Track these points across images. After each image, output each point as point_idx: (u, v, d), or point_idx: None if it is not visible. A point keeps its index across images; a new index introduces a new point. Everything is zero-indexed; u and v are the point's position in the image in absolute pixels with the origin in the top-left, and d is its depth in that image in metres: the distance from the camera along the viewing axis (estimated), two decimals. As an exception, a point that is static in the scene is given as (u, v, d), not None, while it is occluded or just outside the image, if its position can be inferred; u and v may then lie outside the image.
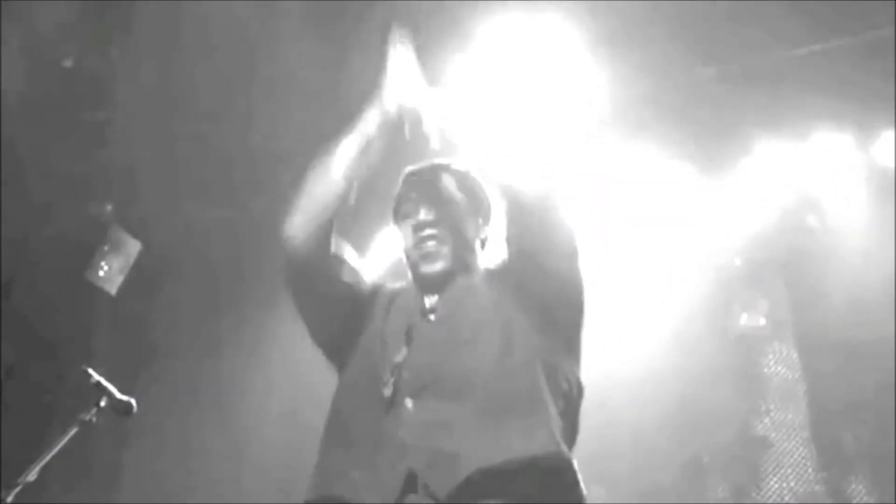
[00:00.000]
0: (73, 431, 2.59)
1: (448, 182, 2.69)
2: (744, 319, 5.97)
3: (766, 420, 5.85)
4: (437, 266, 2.59)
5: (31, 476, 2.47)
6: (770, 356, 5.95)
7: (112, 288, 5.60)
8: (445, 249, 2.60)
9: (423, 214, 2.63)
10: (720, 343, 5.97)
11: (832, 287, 5.67)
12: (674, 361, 5.83)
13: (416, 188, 2.69)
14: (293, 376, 6.13)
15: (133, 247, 5.61)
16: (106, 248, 5.55)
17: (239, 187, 6.00)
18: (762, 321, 5.96)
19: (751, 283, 6.04)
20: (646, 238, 5.96)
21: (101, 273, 5.58)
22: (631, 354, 5.79)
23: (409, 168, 2.75)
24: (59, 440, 2.54)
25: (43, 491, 2.53)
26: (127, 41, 5.21)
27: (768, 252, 5.97)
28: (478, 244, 2.70)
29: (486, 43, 5.38)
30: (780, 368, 5.92)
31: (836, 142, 5.69)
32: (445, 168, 2.71)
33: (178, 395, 5.73)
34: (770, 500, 5.70)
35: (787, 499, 5.68)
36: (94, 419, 2.64)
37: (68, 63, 5.18)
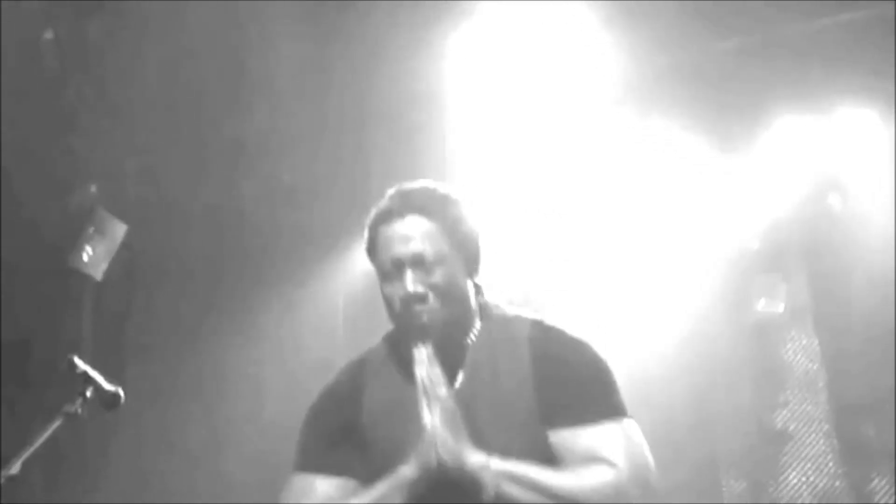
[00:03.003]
0: (57, 423, 2.57)
1: (432, 231, 2.52)
2: (761, 306, 5.95)
3: (785, 412, 5.84)
4: (432, 337, 2.50)
5: (14, 469, 2.46)
6: (789, 345, 5.94)
7: (97, 273, 5.58)
8: (438, 318, 2.50)
9: (411, 283, 2.49)
10: (736, 331, 5.96)
11: (855, 272, 5.65)
12: (688, 351, 5.82)
13: (397, 244, 2.52)
14: (281, 366, 6.15)
15: (118, 229, 5.58)
16: (90, 231, 5.52)
17: (227, 174, 5.99)
18: (781, 308, 5.94)
19: (769, 267, 6.01)
20: (660, 221, 5.94)
21: (85, 258, 5.55)
22: (644, 343, 5.77)
23: (383, 207, 2.58)
24: (42, 432, 2.53)
25: (25, 484, 2.52)
26: (112, 17, 5.21)
27: (788, 235, 5.95)
28: (472, 293, 2.60)
29: (496, 19, 5.37)
30: (799, 358, 5.90)
31: (861, 118, 5.66)
32: (427, 211, 2.54)
33: (163, 385, 5.74)
34: (788, 496, 5.70)
35: (805, 495, 5.68)
36: (80, 410, 2.62)
37: (49, 35, 5.16)
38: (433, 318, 2.50)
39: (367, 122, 5.79)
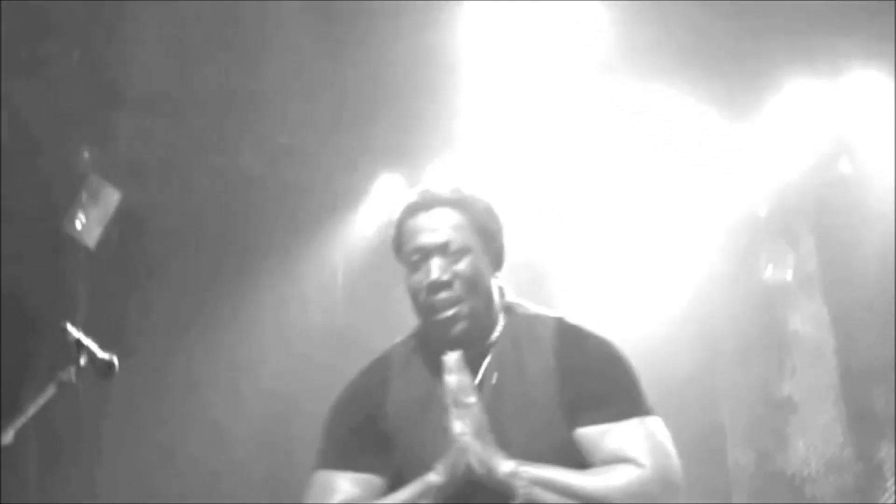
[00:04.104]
0: (51, 392, 2.57)
1: (460, 224, 2.58)
2: (769, 273, 5.94)
3: (792, 381, 5.85)
4: (455, 330, 2.55)
5: (7, 439, 2.46)
6: (796, 313, 5.93)
7: (91, 241, 5.56)
8: (464, 309, 2.55)
9: (437, 270, 2.55)
10: (743, 299, 5.96)
11: (865, 239, 5.64)
12: (693, 319, 5.82)
13: (425, 233, 2.58)
14: (279, 331, 6.17)
15: (112, 196, 5.56)
16: (83, 198, 5.51)
17: (230, 136, 5.98)
18: (789, 275, 5.93)
19: (777, 234, 6.00)
20: (666, 188, 5.93)
21: (78, 225, 5.54)
22: (648, 313, 5.78)
23: (411, 200, 2.64)
24: (36, 401, 2.52)
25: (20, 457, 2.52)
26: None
27: (796, 201, 5.93)
28: (495, 288, 2.65)
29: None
30: (807, 326, 5.90)
31: (871, 81, 5.62)
32: (454, 203, 2.60)
33: (160, 353, 5.76)
34: (796, 465, 5.71)
35: (813, 463, 5.69)
36: (73, 379, 2.62)
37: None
38: (458, 307, 2.55)
39: (368, 86, 5.77)
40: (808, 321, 5.89)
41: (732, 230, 5.93)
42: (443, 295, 2.54)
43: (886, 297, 5.49)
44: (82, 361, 2.65)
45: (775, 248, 5.95)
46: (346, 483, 2.59)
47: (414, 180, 6.40)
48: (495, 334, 2.61)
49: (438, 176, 2.68)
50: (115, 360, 2.69)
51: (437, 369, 2.55)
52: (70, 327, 2.68)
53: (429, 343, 2.63)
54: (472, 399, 2.48)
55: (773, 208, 5.95)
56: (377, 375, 2.69)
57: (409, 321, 2.75)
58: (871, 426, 5.64)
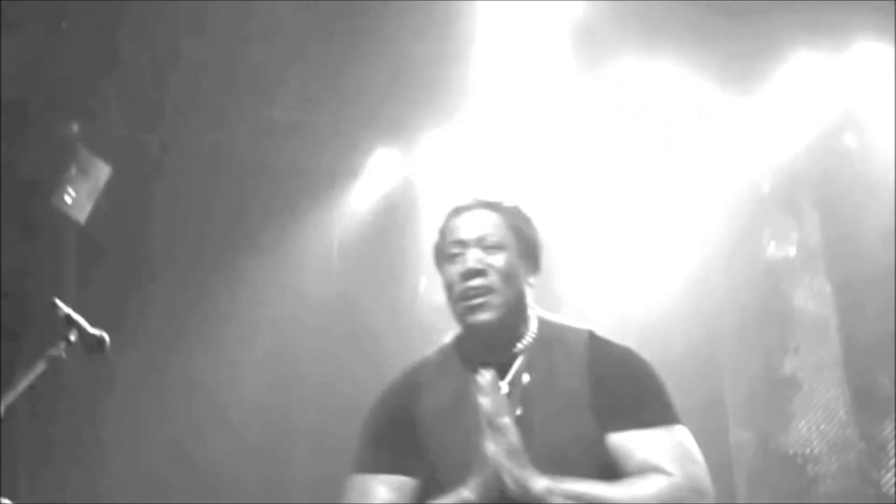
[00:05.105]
0: (41, 368, 2.56)
1: (498, 223, 2.73)
2: (772, 249, 5.94)
3: (795, 359, 5.84)
4: (485, 316, 2.66)
5: (-3, 415, 2.45)
6: (800, 289, 5.93)
7: (81, 216, 5.55)
8: (496, 300, 2.67)
9: (473, 261, 2.68)
10: (746, 275, 5.95)
11: (870, 215, 5.62)
12: (695, 295, 5.82)
13: (464, 228, 2.74)
14: (274, 305, 6.20)
15: (102, 171, 5.54)
16: (73, 171, 5.48)
17: (224, 111, 5.96)
18: (792, 251, 5.92)
19: (780, 210, 5.99)
20: (668, 161, 5.91)
21: (68, 199, 5.52)
22: (650, 289, 5.78)
23: (456, 204, 2.80)
24: (26, 377, 2.51)
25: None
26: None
27: (800, 176, 5.92)
28: (528, 290, 2.77)
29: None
30: (810, 303, 5.89)
31: (877, 54, 5.60)
32: (495, 206, 2.76)
33: (154, 328, 5.78)
34: (798, 444, 5.72)
35: (816, 443, 5.70)
36: (63, 355, 2.61)
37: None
38: (490, 296, 2.66)
39: (364, 61, 5.75)
40: (812, 298, 5.88)
41: (735, 205, 5.92)
42: (476, 282, 2.67)
43: (891, 273, 5.48)
44: (72, 337, 2.65)
45: (778, 224, 5.94)
46: (380, 487, 2.69)
47: (409, 155, 6.41)
48: (528, 339, 2.72)
49: (482, 185, 2.85)
50: (106, 336, 2.69)
51: (469, 373, 2.68)
52: (59, 303, 2.68)
53: (462, 349, 2.75)
54: (506, 420, 2.57)
55: (777, 183, 5.94)
56: (410, 380, 2.80)
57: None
58: (874, 405, 5.63)
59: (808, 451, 5.69)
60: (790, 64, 5.71)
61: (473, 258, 2.69)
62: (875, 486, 5.52)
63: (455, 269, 2.70)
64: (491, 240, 2.70)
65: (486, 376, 2.64)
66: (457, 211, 2.78)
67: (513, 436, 2.56)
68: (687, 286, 5.76)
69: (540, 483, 2.52)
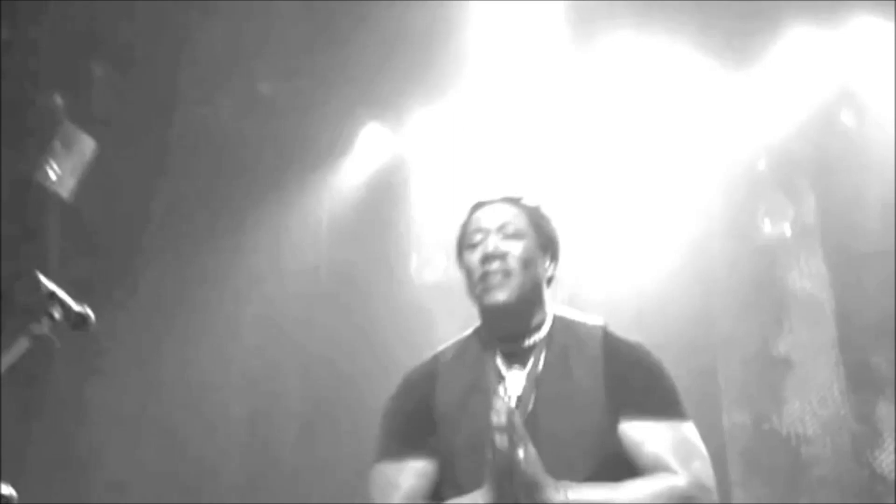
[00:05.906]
0: (24, 344, 2.53)
1: (518, 215, 2.86)
2: (767, 228, 5.93)
3: (789, 339, 5.85)
4: (502, 296, 2.78)
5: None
6: (795, 269, 5.92)
7: (65, 191, 5.51)
8: (513, 282, 2.78)
9: (492, 246, 2.81)
10: (740, 255, 5.94)
11: (867, 193, 5.62)
12: (688, 275, 5.81)
13: (485, 219, 2.87)
14: (269, 294, 6.20)
15: (86, 145, 5.50)
16: (56, 146, 5.44)
17: (212, 86, 5.93)
18: (787, 230, 5.92)
19: (775, 188, 5.98)
20: (663, 138, 5.90)
21: (52, 175, 5.48)
22: (642, 267, 5.77)
23: (478, 199, 2.92)
24: (8, 355, 2.48)
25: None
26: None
27: (796, 154, 5.90)
28: (545, 282, 2.88)
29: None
30: (805, 283, 5.89)
31: (875, 29, 5.58)
32: (516, 201, 2.89)
33: (144, 304, 5.78)
34: (791, 425, 5.73)
35: (809, 424, 5.71)
36: (46, 332, 2.58)
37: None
38: (508, 279, 2.78)
39: (354, 36, 5.73)
40: (807, 278, 5.88)
41: (730, 183, 5.91)
42: (495, 265, 2.79)
43: (888, 253, 5.47)
44: (56, 314, 2.62)
45: (774, 202, 5.93)
46: (404, 476, 2.78)
47: (399, 130, 6.39)
48: (544, 330, 2.83)
49: (503, 182, 3.04)
50: (90, 313, 2.66)
51: (486, 361, 2.80)
52: (42, 278, 2.64)
53: (480, 338, 2.87)
54: (521, 429, 2.61)
55: (773, 161, 5.93)
56: (428, 368, 2.91)
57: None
58: (868, 385, 5.64)
59: (802, 431, 5.70)
60: (787, 39, 5.68)
61: (493, 243, 2.81)
62: (869, 468, 5.54)
63: (475, 255, 2.83)
64: (511, 228, 2.83)
65: (499, 402, 2.66)
66: (479, 205, 2.92)
67: (528, 444, 2.61)
68: (681, 265, 5.75)
69: (553, 490, 2.60)
